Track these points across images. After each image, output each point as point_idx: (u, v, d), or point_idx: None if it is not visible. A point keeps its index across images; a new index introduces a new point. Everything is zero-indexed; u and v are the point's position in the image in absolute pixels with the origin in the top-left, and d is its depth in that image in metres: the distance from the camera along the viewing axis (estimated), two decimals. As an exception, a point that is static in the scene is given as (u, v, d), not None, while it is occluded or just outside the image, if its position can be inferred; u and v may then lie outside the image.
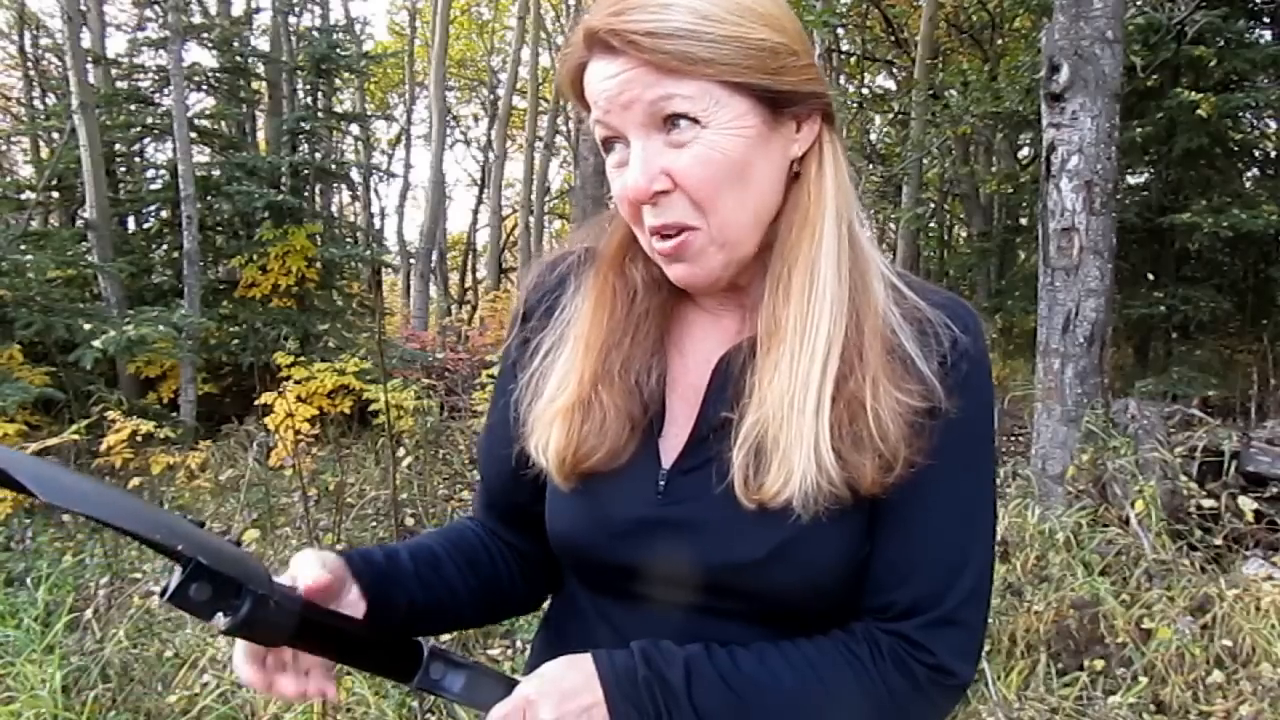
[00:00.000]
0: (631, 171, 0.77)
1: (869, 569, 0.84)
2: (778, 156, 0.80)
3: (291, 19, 11.57)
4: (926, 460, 0.79)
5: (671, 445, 0.85)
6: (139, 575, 3.80)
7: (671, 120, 0.76)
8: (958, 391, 0.81)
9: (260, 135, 11.75)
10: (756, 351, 0.81)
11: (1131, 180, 9.60)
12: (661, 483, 0.84)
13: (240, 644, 0.77)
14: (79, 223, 9.49)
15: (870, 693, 0.80)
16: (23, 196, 9.80)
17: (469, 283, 23.39)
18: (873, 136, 16.14)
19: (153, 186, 10.64)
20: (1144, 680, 2.95)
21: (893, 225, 14.57)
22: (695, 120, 0.75)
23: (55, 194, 10.27)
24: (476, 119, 24.95)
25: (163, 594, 0.71)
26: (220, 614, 0.72)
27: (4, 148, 15.25)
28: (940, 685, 0.82)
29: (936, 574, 0.82)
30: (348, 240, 12.51)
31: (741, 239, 0.80)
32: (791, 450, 0.77)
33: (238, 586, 0.71)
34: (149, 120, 10.20)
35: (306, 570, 0.79)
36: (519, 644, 3.19)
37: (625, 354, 0.86)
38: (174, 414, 7.79)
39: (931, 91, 10.08)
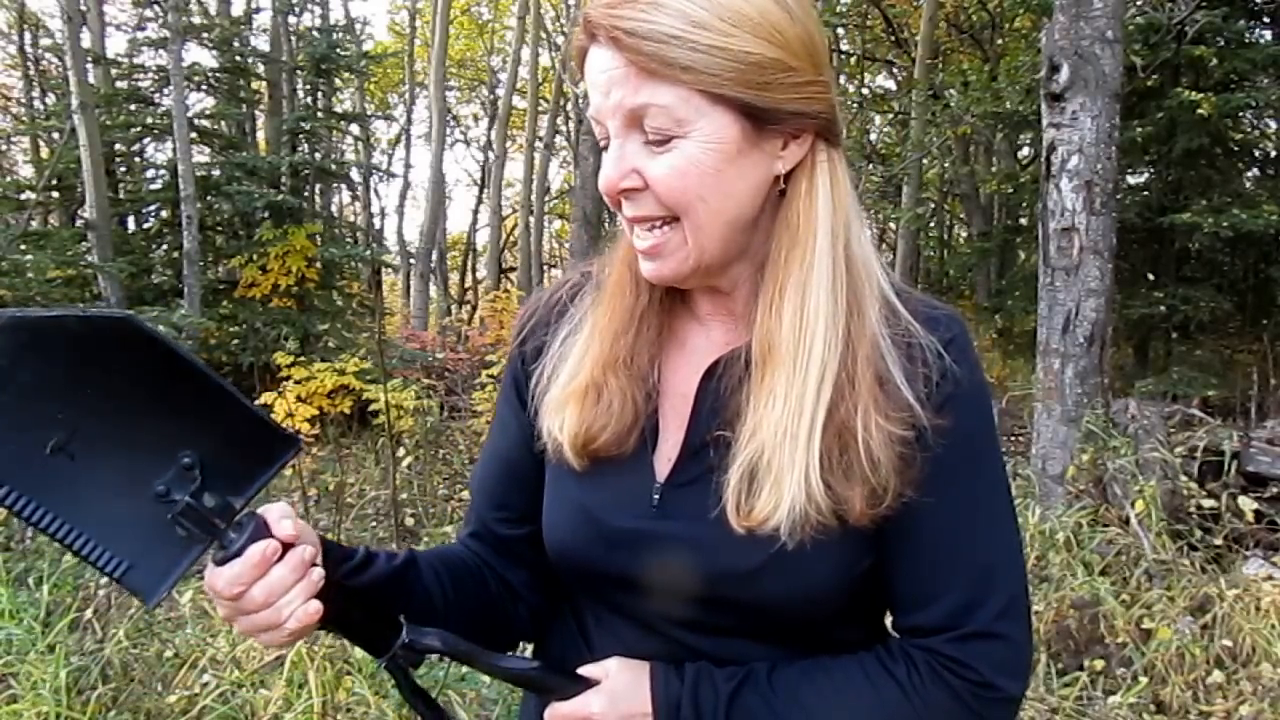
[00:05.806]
0: (606, 167, 0.79)
1: (891, 592, 0.84)
2: (757, 171, 0.79)
3: (291, 19, 11.56)
4: (919, 493, 0.79)
5: (664, 455, 0.86)
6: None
7: (650, 127, 0.76)
8: (948, 414, 0.80)
9: (260, 135, 11.75)
10: (750, 372, 0.82)
11: (1131, 180, 9.59)
12: (656, 496, 0.85)
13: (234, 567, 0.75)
14: (79, 223, 9.49)
15: (906, 711, 0.81)
16: (23, 196, 9.80)
17: (469, 283, 23.39)
18: (873, 136, 16.14)
19: (153, 186, 10.65)
20: (1144, 680, 2.94)
21: (893, 225, 14.59)
22: (672, 131, 0.76)
23: (55, 194, 10.28)
24: (476, 119, 24.99)
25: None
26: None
27: (4, 148, 15.25)
28: (985, 700, 0.82)
29: (961, 590, 0.82)
30: (348, 240, 12.52)
31: (710, 244, 0.80)
32: (783, 477, 0.77)
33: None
34: (149, 120, 10.20)
35: (281, 519, 0.76)
36: (521, 647, 3.18)
37: (631, 343, 0.87)
38: (174, 414, 7.77)
39: (931, 91, 10.08)
